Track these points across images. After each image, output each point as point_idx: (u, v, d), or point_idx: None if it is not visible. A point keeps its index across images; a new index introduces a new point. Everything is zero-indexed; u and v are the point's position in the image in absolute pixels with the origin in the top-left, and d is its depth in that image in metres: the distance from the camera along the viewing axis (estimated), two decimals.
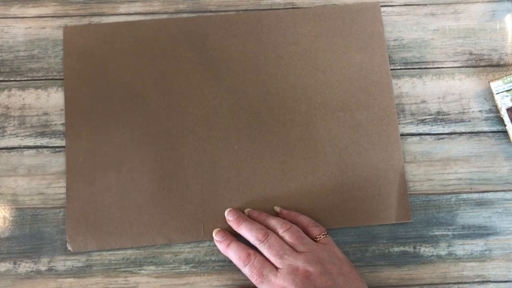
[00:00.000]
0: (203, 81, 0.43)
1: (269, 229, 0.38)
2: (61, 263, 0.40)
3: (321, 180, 0.42)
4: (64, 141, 0.42)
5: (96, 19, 0.44)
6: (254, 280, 0.36)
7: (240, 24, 0.45)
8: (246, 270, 0.37)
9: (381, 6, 0.45)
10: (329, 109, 0.43)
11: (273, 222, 0.39)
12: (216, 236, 0.40)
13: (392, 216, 0.41)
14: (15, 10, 0.44)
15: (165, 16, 0.45)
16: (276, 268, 0.36)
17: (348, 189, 0.42)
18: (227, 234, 0.40)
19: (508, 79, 0.42)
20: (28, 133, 0.42)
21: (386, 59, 0.44)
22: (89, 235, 0.40)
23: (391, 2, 0.46)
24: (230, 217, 0.40)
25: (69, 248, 0.40)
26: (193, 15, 0.45)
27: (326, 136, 0.43)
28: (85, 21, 0.44)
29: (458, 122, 0.43)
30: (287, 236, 0.37)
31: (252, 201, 0.41)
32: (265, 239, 0.37)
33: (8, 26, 0.44)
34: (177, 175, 0.41)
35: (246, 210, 0.41)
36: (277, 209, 0.41)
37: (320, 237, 0.38)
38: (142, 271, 0.40)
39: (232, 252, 0.38)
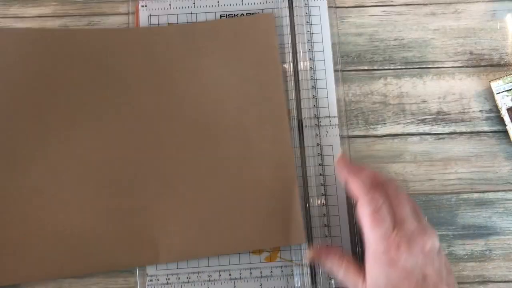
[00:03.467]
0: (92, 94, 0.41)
1: None
2: None
3: (213, 204, 0.39)
4: None
5: (96, 19, 0.44)
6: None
7: (134, 41, 0.42)
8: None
9: (381, 5, 0.45)
10: (221, 127, 0.40)
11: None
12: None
13: (285, 238, 0.39)
14: (15, 10, 0.44)
15: None
16: None
17: (241, 212, 0.39)
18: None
19: (509, 79, 0.42)
20: None
21: (279, 73, 0.42)
22: None
23: (392, 1, 0.46)
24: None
25: None
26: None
27: (220, 156, 0.40)
28: (85, 21, 0.44)
29: (459, 122, 0.43)
30: None
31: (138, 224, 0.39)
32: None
33: (8, 26, 0.44)
34: None
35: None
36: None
37: None
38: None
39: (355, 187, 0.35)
